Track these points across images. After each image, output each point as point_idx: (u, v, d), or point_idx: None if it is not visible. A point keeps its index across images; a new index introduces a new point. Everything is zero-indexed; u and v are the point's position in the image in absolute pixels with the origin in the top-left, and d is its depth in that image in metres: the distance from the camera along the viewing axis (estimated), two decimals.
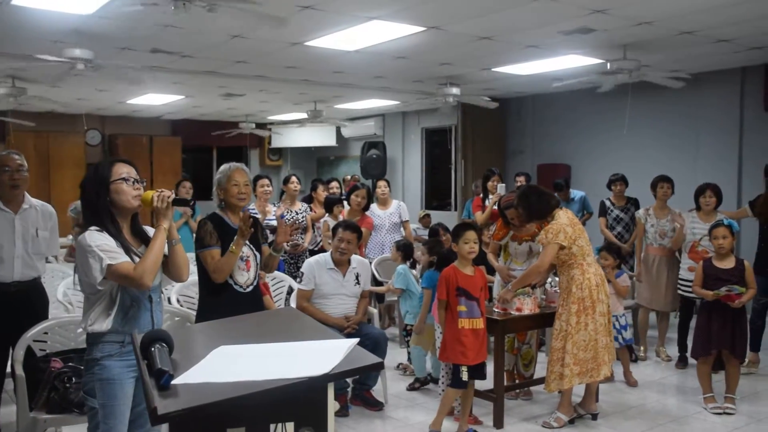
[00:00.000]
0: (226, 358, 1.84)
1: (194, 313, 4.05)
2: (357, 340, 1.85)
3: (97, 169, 2.88)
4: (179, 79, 8.64)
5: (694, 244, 5.89)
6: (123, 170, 2.85)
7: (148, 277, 2.70)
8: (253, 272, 3.84)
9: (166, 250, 2.87)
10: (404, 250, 5.85)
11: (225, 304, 3.62)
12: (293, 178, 7.01)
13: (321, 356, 1.73)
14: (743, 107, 8.04)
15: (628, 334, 5.60)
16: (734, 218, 5.49)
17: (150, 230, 2.95)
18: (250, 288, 3.84)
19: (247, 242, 3.79)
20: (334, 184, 8.21)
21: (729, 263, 4.95)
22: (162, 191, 2.83)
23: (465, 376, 4.31)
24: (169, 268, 2.96)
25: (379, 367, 1.72)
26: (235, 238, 3.69)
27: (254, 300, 3.85)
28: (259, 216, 6.37)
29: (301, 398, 1.66)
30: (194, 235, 3.91)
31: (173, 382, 1.70)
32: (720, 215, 5.85)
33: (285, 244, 6.54)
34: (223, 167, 3.89)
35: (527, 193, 4.74)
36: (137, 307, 2.81)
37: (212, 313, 3.44)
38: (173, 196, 2.86)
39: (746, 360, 5.59)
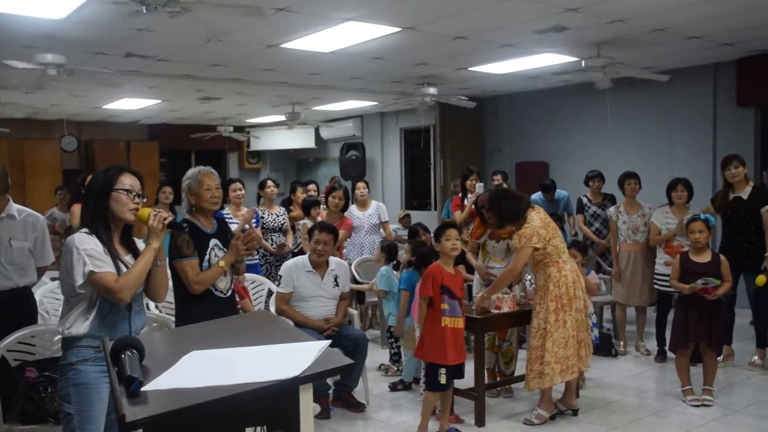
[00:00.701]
0: (197, 363, 1.82)
1: (174, 319, 4.00)
2: (329, 342, 1.85)
3: (105, 173, 2.89)
4: (155, 83, 8.58)
5: (670, 238, 5.95)
6: (128, 181, 2.87)
7: (127, 293, 2.71)
8: (230, 277, 3.81)
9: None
10: (388, 250, 5.85)
11: (205, 311, 3.54)
12: (269, 182, 6.99)
13: (292, 359, 1.72)
14: (716, 103, 8.13)
15: (596, 332, 5.58)
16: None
17: (139, 242, 2.96)
18: (229, 292, 3.81)
19: (221, 245, 3.76)
20: (312, 186, 8.19)
21: (705, 257, 5.00)
22: (159, 212, 2.85)
23: (443, 379, 4.28)
24: (149, 287, 2.95)
25: (350, 368, 1.72)
26: (226, 254, 3.68)
27: (232, 304, 3.84)
28: (235, 221, 6.33)
29: (273, 402, 1.65)
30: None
31: (143, 388, 1.68)
32: (692, 210, 5.93)
33: (270, 246, 6.57)
34: (190, 172, 3.82)
35: (497, 198, 4.73)
36: (116, 313, 2.79)
37: (193, 319, 3.40)
38: (170, 218, 2.87)
39: (722, 355, 5.66)
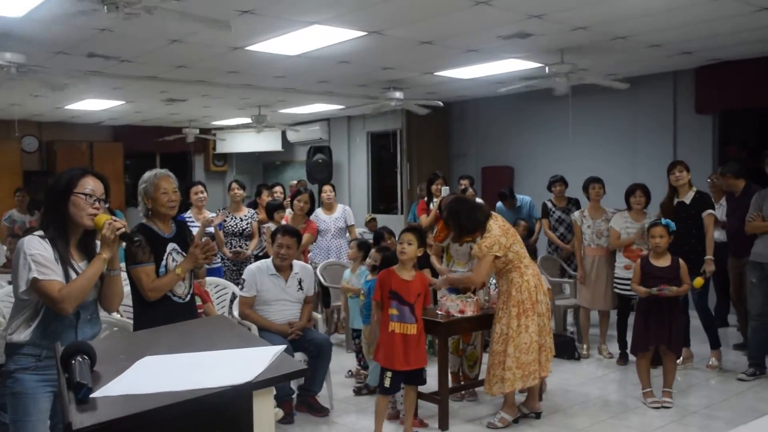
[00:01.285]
0: (149, 368, 1.79)
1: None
2: (284, 347, 1.83)
3: (67, 174, 2.79)
4: (119, 84, 8.46)
5: (630, 242, 6.04)
6: (90, 185, 2.76)
7: (69, 304, 2.61)
8: (188, 282, 3.74)
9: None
10: (366, 248, 5.79)
11: (163, 316, 3.47)
12: (234, 185, 6.94)
13: (246, 364, 1.70)
14: (676, 110, 8.28)
15: None
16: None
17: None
18: (188, 297, 3.75)
19: (179, 249, 3.70)
20: (278, 188, 8.15)
21: (665, 261, 5.09)
22: (114, 220, 2.75)
23: (387, 382, 4.29)
24: (101, 296, 2.87)
25: (303, 373, 1.70)
26: (183, 261, 3.60)
27: (191, 309, 3.77)
28: (197, 225, 6.27)
29: (226, 407, 1.63)
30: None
31: (93, 395, 1.65)
32: (650, 215, 6.03)
33: (227, 251, 6.51)
34: (146, 175, 3.73)
35: (456, 210, 4.74)
36: (60, 322, 2.70)
37: (150, 324, 3.32)
38: (124, 229, 2.77)
39: (681, 357, 5.76)
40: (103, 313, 3.11)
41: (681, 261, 5.13)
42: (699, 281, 5.51)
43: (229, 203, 6.96)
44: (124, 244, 2.86)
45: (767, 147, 6.54)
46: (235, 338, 2.11)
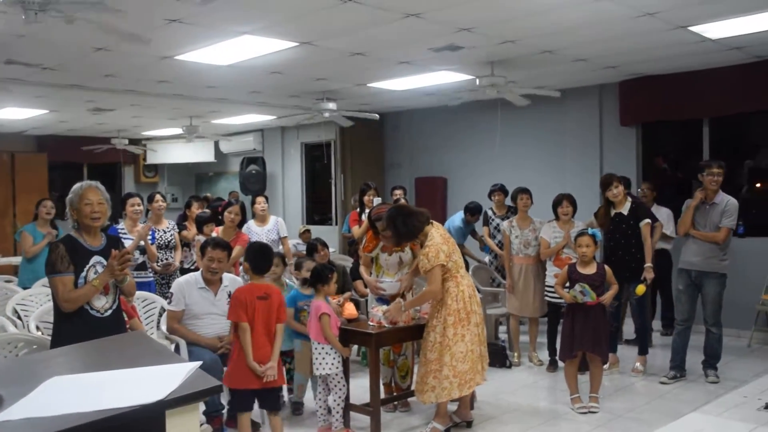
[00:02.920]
0: (56, 389, 1.71)
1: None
2: (199, 363, 1.79)
3: None
4: (42, 92, 8.16)
5: (559, 251, 6.18)
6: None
7: None
8: (111, 296, 3.64)
9: None
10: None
11: (81, 331, 3.36)
12: (157, 196, 6.79)
13: (158, 382, 1.65)
14: (602, 122, 8.55)
15: None
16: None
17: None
18: (109, 312, 3.63)
19: (105, 263, 3.59)
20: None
21: (591, 269, 5.23)
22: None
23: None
24: None
25: (217, 390, 1.66)
26: (101, 272, 3.52)
27: (114, 325, 3.64)
28: (129, 236, 6.11)
29: (137, 428, 1.57)
30: None
31: None
32: (577, 223, 6.19)
33: (155, 264, 6.36)
34: (74, 187, 3.66)
35: (393, 217, 4.73)
36: None
37: (67, 340, 3.22)
38: None
39: (608, 363, 5.91)
40: (21, 330, 2.99)
41: (606, 267, 5.29)
42: (641, 288, 5.73)
43: (151, 215, 6.80)
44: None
45: (687, 158, 6.79)
46: (152, 355, 2.05)
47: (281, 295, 4.37)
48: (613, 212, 6.06)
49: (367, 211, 6.88)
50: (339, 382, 4.74)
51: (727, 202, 5.68)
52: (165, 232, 6.60)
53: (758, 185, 8.11)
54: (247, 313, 4.17)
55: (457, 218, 8.00)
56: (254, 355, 4.14)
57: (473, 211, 7.82)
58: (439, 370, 4.55)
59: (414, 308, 5.03)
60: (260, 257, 4.46)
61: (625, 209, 6.02)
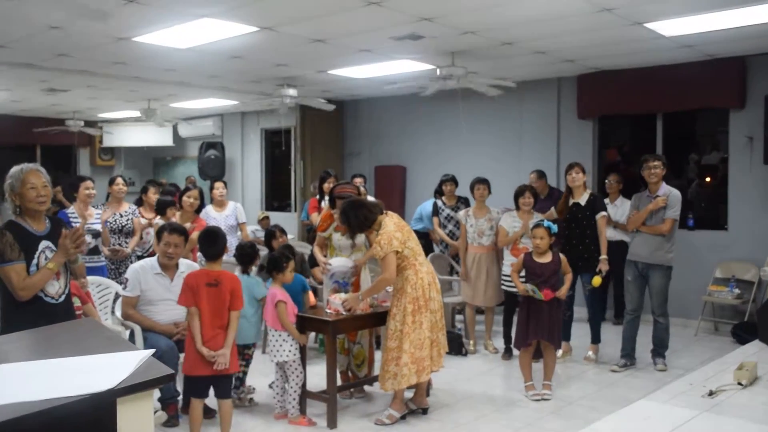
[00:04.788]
0: (3, 378, 1.69)
1: None
2: (152, 351, 1.77)
3: None
4: None
5: (516, 241, 6.27)
6: None
7: None
8: (63, 281, 3.58)
9: None
10: (240, 260, 5.21)
11: (34, 318, 3.29)
12: (119, 179, 6.68)
13: (109, 370, 1.63)
14: (560, 115, 8.66)
15: None
16: (547, 219, 5.97)
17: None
18: (62, 298, 3.58)
19: (53, 247, 3.53)
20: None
21: (546, 258, 5.33)
22: None
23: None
24: None
25: (170, 378, 1.66)
26: (54, 254, 3.45)
27: (66, 310, 3.60)
28: (79, 220, 6.00)
29: (86, 418, 1.56)
30: None
31: None
32: (537, 215, 6.28)
33: (106, 249, 6.26)
34: (13, 170, 3.53)
35: (345, 210, 4.78)
36: None
37: (20, 328, 3.15)
38: None
39: (561, 351, 6.04)
40: None
41: (561, 255, 5.39)
42: (597, 280, 5.86)
43: (110, 198, 6.69)
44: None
45: (642, 151, 6.94)
46: (103, 342, 2.03)
47: (236, 282, 4.31)
48: (571, 202, 6.17)
49: (326, 198, 6.85)
50: (296, 369, 4.75)
51: (670, 193, 5.83)
52: (122, 216, 6.50)
53: (708, 179, 8.34)
54: (195, 299, 4.15)
55: (428, 204, 8.09)
56: (204, 342, 4.13)
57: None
58: (399, 358, 4.61)
59: (372, 296, 5.06)
60: (210, 243, 4.39)
61: (582, 200, 6.13)
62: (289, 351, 4.71)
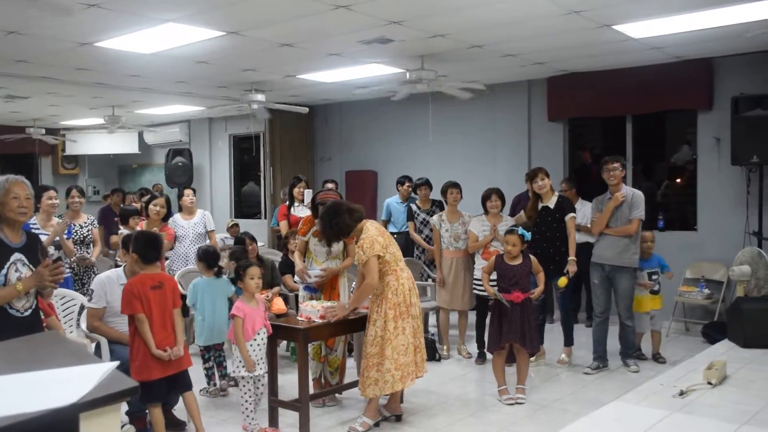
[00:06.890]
0: None
1: None
2: (116, 363, 1.70)
3: None
4: None
5: (487, 245, 6.25)
6: None
7: None
8: (32, 295, 3.49)
9: None
10: (205, 258, 5.43)
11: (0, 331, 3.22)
12: (74, 191, 6.53)
13: (71, 384, 1.55)
14: (530, 117, 8.70)
15: None
16: (517, 223, 5.97)
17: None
18: (29, 312, 3.48)
19: (26, 260, 3.45)
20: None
21: (517, 260, 5.32)
22: None
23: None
24: None
25: (135, 391, 1.58)
26: (27, 277, 3.39)
27: (33, 324, 3.50)
28: (40, 231, 5.83)
29: None
30: None
31: None
32: (506, 218, 6.28)
33: (72, 258, 6.11)
34: None
35: (323, 216, 4.73)
36: None
37: None
38: None
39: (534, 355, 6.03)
40: None
41: (532, 257, 5.38)
42: (563, 281, 5.85)
43: (68, 210, 6.53)
44: None
45: (612, 153, 6.97)
46: (65, 355, 1.94)
47: (173, 281, 4.43)
48: (540, 206, 6.17)
49: (296, 204, 6.79)
50: (246, 384, 4.63)
51: (633, 194, 5.87)
52: (82, 227, 6.35)
53: (677, 181, 8.44)
54: (143, 305, 4.12)
55: (392, 201, 8.10)
56: (157, 344, 4.11)
57: (401, 181, 8.06)
58: (381, 364, 4.55)
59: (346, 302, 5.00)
60: (150, 247, 4.38)
61: (551, 203, 6.13)
62: (239, 366, 4.63)
